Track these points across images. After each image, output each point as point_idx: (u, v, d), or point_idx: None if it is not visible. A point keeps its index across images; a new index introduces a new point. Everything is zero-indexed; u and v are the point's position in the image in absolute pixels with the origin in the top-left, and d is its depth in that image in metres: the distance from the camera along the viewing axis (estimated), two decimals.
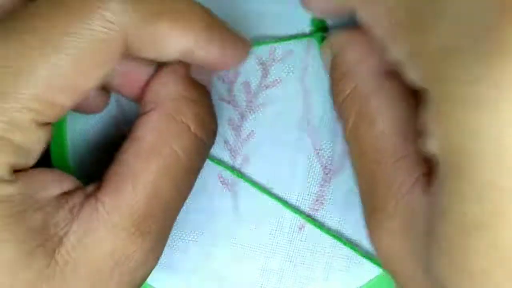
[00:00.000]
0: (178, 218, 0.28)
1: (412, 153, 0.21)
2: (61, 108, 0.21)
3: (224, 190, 0.28)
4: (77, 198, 0.22)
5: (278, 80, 0.28)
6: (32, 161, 0.22)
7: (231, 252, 0.28)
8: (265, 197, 0.28)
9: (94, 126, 0.28)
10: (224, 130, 0.28)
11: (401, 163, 0.21)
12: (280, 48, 0.27)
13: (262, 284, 0.28)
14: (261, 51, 0.28)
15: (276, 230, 0.28)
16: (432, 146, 0.18)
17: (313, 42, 0.27)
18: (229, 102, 0.28)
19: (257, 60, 0.28)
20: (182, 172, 0.23)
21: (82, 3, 0.20)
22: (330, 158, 0.27)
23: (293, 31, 0.27)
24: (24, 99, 0.20)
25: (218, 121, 0.26)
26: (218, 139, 0.27)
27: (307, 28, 0.27)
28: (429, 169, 0.20)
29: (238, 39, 0.24)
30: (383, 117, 0.22)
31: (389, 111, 0.22)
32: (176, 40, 0.22)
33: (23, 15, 0.21)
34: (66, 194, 0.22)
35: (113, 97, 0.28)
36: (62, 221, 0.22)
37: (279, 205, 0.28)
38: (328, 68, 0.25)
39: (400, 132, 0.21)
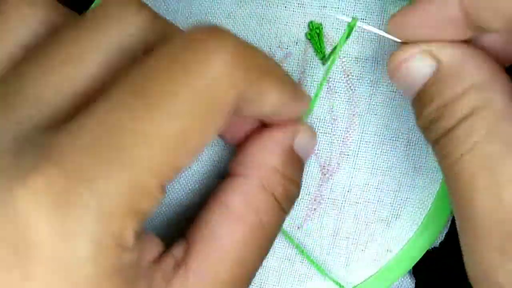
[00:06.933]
0: (179, 217, 0.29)
1: None
2: (183, 169, 0.21)
3: None
4: (168, 264, 0.22)
5: None
6: None
7: None
8: None
9: None
10: None
11: None
12: (280, 52, 0.28)
13: (261, 282, 0.28)
14: None
15: None
16: None
17: (310, 46, 0.27)
18: None
19: None
20: (266, 241, 0.24)
21: (202, 74, 0.20)
22: (327, 159, 0.28)
23: (291, 33, 0.27)
24: (155, 166, 0.19)
25: None
26: (220, 141, 0.28)
27: (304, 30, 0.27)
28: None
29: (304, 95, 0.24)
30: None
31: None
32: (272, 97, 0.22)
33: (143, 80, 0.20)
34: (158, 258, 0.22)
35: None
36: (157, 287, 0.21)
37: None
38: (419, 79, 0.23)
39: None
